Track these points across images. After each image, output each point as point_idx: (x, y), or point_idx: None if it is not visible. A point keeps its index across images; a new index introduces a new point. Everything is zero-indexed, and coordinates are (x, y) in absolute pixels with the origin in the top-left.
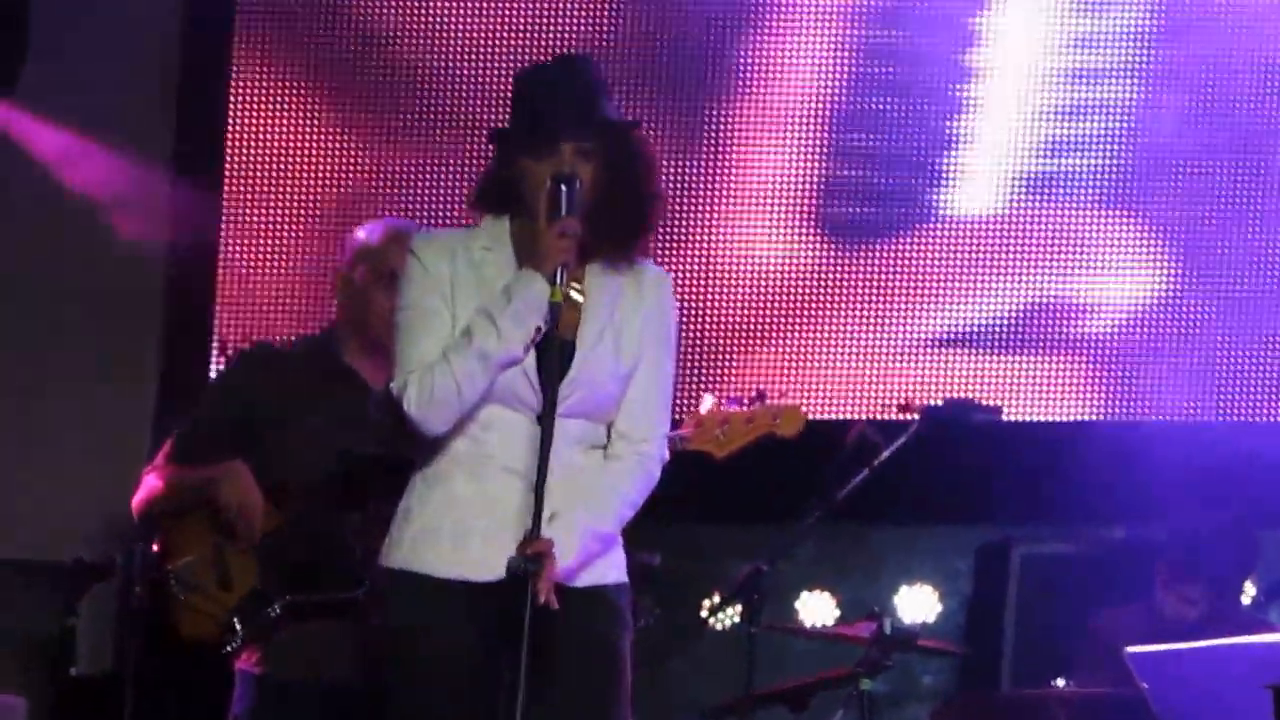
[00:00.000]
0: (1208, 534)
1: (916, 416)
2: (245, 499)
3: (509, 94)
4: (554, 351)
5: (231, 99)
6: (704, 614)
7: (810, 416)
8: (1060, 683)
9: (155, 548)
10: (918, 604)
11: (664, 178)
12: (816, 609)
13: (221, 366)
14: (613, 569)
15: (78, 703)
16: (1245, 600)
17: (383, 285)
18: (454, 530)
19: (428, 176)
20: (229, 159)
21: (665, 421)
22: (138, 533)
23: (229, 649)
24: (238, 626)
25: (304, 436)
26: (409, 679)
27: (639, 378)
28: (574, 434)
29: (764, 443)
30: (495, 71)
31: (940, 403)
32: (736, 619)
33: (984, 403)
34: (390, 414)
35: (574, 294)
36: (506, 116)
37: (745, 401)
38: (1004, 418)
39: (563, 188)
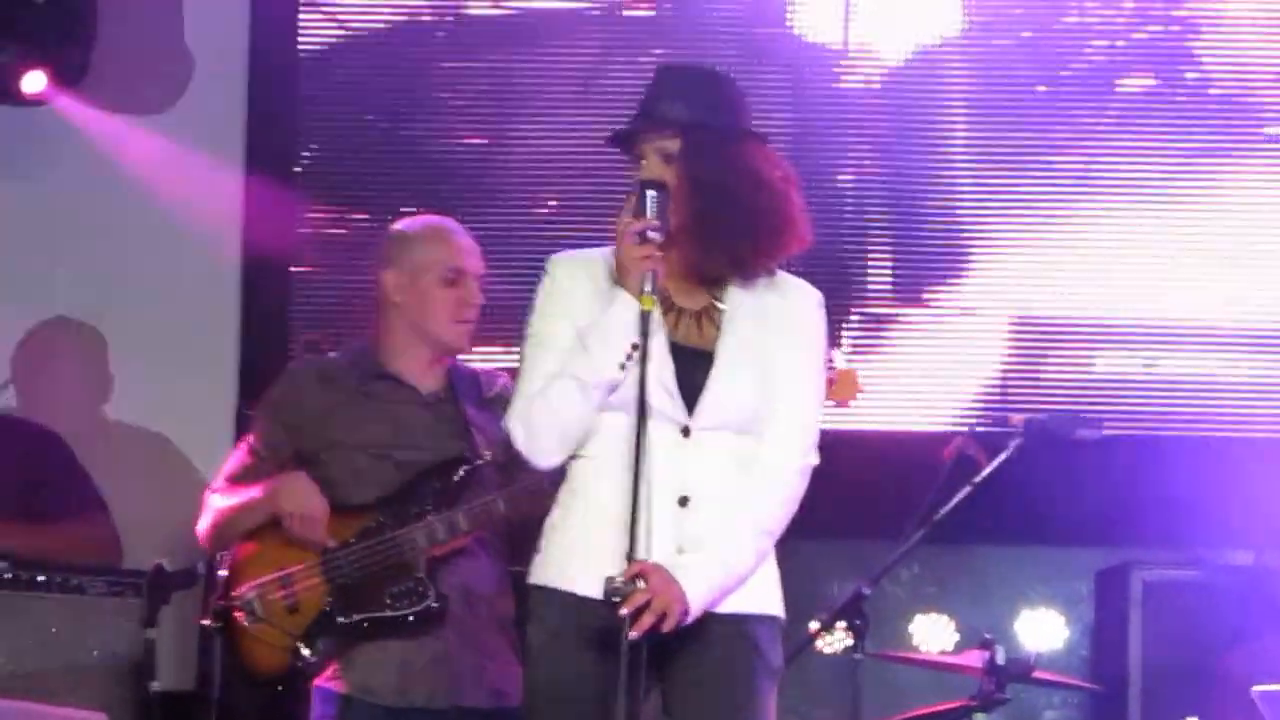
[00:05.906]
0: None
1: (1019, 430)
2: (307, 505)
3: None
4: (644, 356)
5: (302, 93)
6: (810, 635)
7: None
8: None
9: (223, 572)
10: (1040, 630)
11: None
12: (932, 633)
13: None
14: (754, 599)
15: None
16: None
17: (444, 284)
18: (598, 545)
19: (500, 166)
20: (302, 155)
21: (806, 436)
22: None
23: (303, 668)
24: (305, 653)
25: (354, 452)
26: (550, 700)
27: (779, 391)
28: (726, 449)
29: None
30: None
31: (1043, 416)
32: (849, 641)
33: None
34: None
35: (718, 305)
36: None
37: None
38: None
39: (648, 194)
